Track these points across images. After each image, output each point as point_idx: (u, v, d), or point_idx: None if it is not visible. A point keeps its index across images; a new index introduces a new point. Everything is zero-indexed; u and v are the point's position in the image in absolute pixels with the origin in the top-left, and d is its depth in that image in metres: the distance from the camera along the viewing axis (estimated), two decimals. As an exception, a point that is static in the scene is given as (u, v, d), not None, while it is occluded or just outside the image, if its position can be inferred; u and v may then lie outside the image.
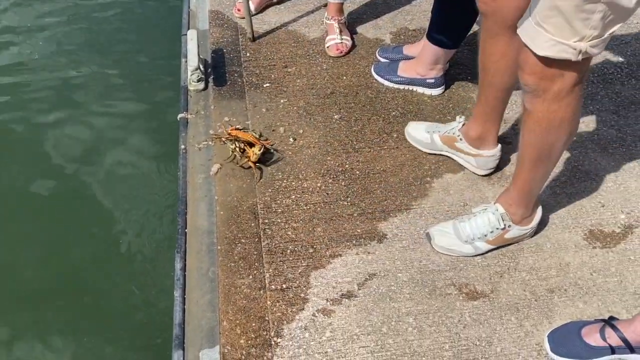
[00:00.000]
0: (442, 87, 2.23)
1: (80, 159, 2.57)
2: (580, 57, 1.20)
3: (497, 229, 1.61)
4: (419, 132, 1.96)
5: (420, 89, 2.24)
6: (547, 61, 1.24)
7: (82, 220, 2.30)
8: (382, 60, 2.36)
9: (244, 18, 2.46)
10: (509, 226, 1.61)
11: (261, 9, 2.61)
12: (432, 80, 2.21)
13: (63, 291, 2.08)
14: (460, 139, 1.83)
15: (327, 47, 2.39)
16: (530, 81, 1.30)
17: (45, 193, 2.40)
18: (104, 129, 2.69)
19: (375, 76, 2.30)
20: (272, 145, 1.98)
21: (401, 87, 2.25)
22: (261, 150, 1.89)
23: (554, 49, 1.20)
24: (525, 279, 1.62)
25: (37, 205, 2.37)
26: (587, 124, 2.12)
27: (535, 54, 1.24)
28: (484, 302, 1.56)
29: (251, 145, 1.91)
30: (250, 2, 2.48)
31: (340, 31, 2.38)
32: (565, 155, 1.99)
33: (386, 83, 2.27)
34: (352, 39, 2.45)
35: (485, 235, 1.61)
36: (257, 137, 1.96)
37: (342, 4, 2.40)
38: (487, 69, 1.62)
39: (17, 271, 2.16)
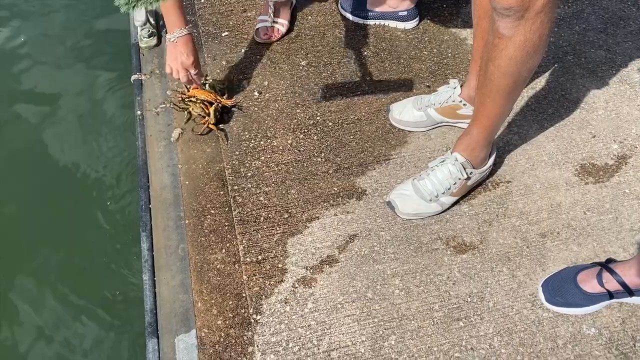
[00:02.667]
0: (416, 19, 2.05)
1: (29, 133, 2.36)
2: None
3: (460, 179, 1.49)
4: (408, 113, 1.72)
5: (392, 23, 2.05)
6: None
7: (36, 195, 2.13)
8: None
9: None
10: (471, 173, 1.50)
11: None
12: (405, 13, 2.02)
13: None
14: (464, 105, 1.65)
15: (255, 29, 2.01)
16: (513, 2, 1.14)
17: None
18: (54, 98, 2.46)
19: (343, 12, 2.11)
20: (235, 102, 1.82)
21: (372, 22, 2.07)
22: (218, 111, 1.73)
23: None
24: (515, 225, 1.52)
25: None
26: (574, 46, 1.97)
27: None
28: (474, 255, 1.47)
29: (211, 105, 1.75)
30: None
31: (275, 12, 2.00)
32: (551, 84, 1.85)
33: (355, 19, 2.08)
34: (291, 22, 2.06)
35: (449, 189, 1.50)
36: (220, 94, 1.79)
37: None
38: (477, 5, 1.45)
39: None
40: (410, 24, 2.04)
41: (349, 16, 2.09)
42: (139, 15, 1.92)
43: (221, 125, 1.76)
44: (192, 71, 1.67)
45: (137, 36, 2.01)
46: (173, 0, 1.58)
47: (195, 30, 2.07)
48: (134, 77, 1.94)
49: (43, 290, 1.87)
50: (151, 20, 2.00)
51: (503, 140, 1.71)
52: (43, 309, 1.84)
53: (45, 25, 2.74)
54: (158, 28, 2.05)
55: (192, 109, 1.74)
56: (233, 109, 1.82)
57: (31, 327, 1.81)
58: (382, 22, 2.06)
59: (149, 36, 2.00)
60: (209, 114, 1.73)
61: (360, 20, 2.07)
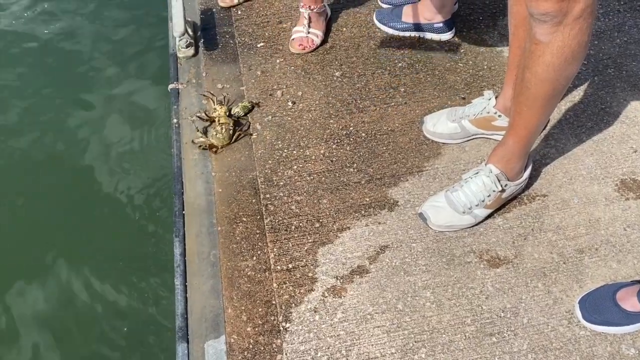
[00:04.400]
0: (452, 31, 2.04)
1: (68, 136, 2.44)
2: None
3: (494, 191, 1.47)
4: (442, 125, 1.70)
5: (428, 35, 2.05)
6: None
7: (71, 201, 2.20)
8: (385, 6, 2.16)
9: (230, 7, 2.21)
10: (506, 185, 1.47)
11: None
12: (440, 25, 2.01)
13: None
14: (499, 116, 1.62)
15: (291, 39, 2.05)
16: (550, 8, 1.13)
17: (38, 171, 2.30)
18: (92, 103, 2.54)
19: (378, 24, 2.11)
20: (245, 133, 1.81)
21: (407, 34, 2.07)
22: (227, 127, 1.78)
23: None
24: (551, 239, 1.49)
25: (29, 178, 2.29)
26: (614, 59, 1.92)
27: None
28: (508, 269, 1.44)
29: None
30: None
31: (310, 23, 2.02)
32: (591, 97, 1.81)
33: (390, 31, 2.08)
34: (326, 33, 2.08)
35: (483, 201, 1.47)
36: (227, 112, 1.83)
37: None
38: (514, 14, 1.43)
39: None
40: (445, 36, 2.03)
41: (384, 28, 2.09)
42: (177, 26, 1.96)
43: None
44: None
45: (175, 46, 2.06)
46: None
47: (231, 41, 2.11)
48: (171, 86, 1.98)
49: (74, 289, 1.92)
50: (189, 31, 2.05)
51: (539, 153, 1.67)
52: (74, 306, 1.89)
53: (91, 32, 2.84)
54: (195, 39, 2.10)
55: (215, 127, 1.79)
56: (266, 119, 1.84)
57: (61, 326, 1.85)
58: (417, 33, 2.06)
59: (187, 46, 2.04)
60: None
61: (395, 32, 2.07)
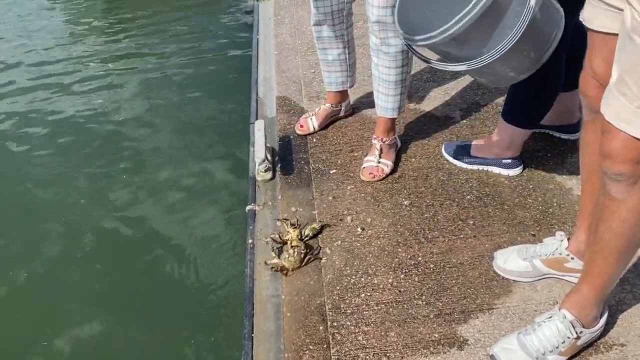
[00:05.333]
0: (520, 167, 2.09)
1: (147, 220, 2.66)
2: None
3: (569, 338, 1.42)
4: (514, 262, 1.70)
5: (496, 169, 2.11)
6: None
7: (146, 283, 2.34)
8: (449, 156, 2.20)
9: (306, 135, 2.38)
10: (581, 332, 1.43)
11: (325, 126, 2.42)
12: (509, 161, 2.08)
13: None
14: (572, 258, 1.62)
15: (362, 168, 2.16)
16: (625, 169, 1.16)
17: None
18: (177, 190, 2.80)
19: (447, 156, 2.20)
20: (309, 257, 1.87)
21: (475, 167, 2.13)
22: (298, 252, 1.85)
23: None
24: (633, 395, 1.41)
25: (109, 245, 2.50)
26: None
27: (636, 139, 1.11)
28: None
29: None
30: (314, 119, 2.38)
31: (381, 153, 2.14)
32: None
33: (458, 164, 2.16)
34: (396, 162, 2.19)
35: (557, 347, 1.43)
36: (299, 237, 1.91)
37: (392, 121, 2.14)
38: (588, 165, 1.47)
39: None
40: (513, 172, 2.08)
41: (453, 160, 2.17)
42: (259, 153, 2.12)
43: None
44: None
45: (255, 170, 2.21)
46: None
47: (306, 167, 2.24)
48: (248, 207, 2.10)
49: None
50: (269, 156, 2.20)
51: (615, 299, 1.63)
52: None
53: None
54: (273, 163, 2.25)
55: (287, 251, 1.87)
56: (336, 243, 1.90)
57: None
58: (485, 167, 2.12)
59: (265, 171, 2.18)
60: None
61: (464, 165, 2.15)
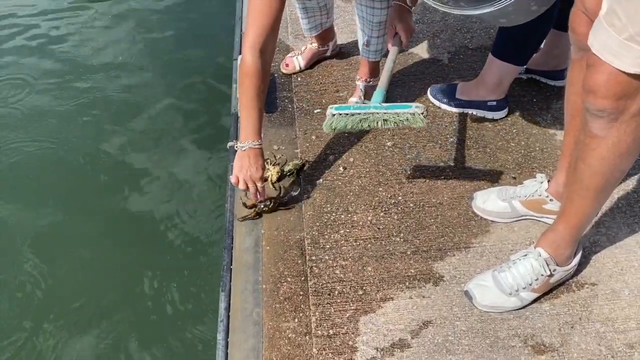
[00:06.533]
0: (505, 109, 2.08)
1: (128, 178, 2.62)
2: None
3: (542, 275, 1.45)
4: (493, 203, 1.71)
5: (480, 112, 2.09)
6: (629, 78, 1.09)
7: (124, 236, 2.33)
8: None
9: (291, 74, 2.33)
10: (554, 270, 1.46)
11: (310, 65, 2.37)
12: (494, 103, 2.06)
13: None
14: (551, 200, 1.63)
15: None
16: (607, 104, 1.15)
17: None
18: (157, 149, 2.73)
19: (432, 99, 2.17)
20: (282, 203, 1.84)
21: (459, 110, 2.12)
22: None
23: None
24: (599, 331, 1.45)
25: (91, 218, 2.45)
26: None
27: (621, 72, 1.09)
28: (553, 357, 1.40)
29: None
30: (300, 58, 2.33)
31: (365, 95, 2.10)
32: (646, 187, 1.80)
33: (443, 106, 2.14)
34: None
35: (530, 284, 1.46)
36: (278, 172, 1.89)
37: (377, 63, 2.10)
38: (572, 104, 1.46)
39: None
40: (498, 114, 2.07)
41: (438, 103, 2.15)
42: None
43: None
44: (259, 184, 1.74)
45: (237, 107, 2.16)
46: (258, 111, 1.70)
47: (290, 106, 2.21)
48: (230, 143, 2.06)
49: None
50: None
51: (590, 240, 1.66)
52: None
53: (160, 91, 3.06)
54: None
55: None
56: (317, 181, 1.90)
57: None
58: (470, 110, 2.10)
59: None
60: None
61: (449, 108, 2.13)
